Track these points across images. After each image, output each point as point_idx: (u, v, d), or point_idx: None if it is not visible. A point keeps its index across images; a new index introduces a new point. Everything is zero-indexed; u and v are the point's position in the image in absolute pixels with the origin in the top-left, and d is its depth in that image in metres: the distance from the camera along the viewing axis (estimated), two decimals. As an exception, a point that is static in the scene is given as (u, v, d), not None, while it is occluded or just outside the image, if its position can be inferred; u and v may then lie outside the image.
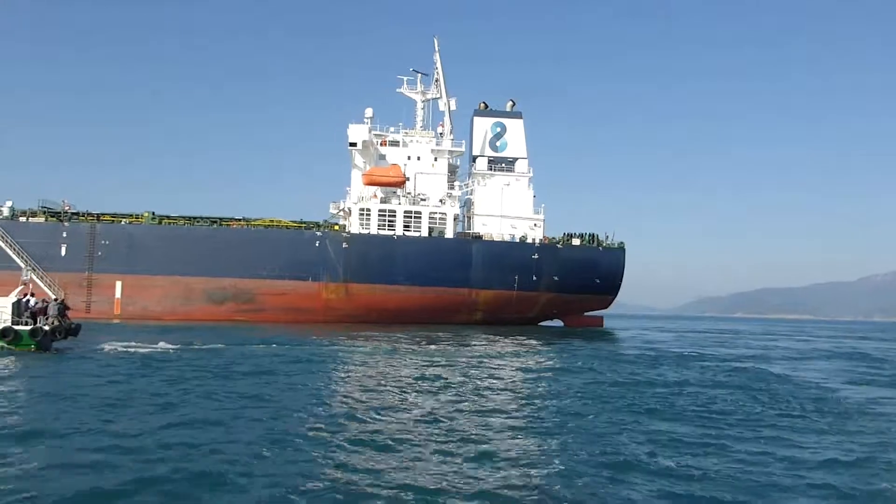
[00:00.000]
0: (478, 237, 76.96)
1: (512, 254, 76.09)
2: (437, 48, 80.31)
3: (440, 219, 75.71)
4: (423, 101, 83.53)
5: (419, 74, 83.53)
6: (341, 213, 78.91)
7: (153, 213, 74.63)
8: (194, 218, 74.91)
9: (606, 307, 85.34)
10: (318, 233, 73.31)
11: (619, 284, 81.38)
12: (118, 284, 71.86)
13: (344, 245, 72.28)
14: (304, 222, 76.12)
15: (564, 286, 77.36)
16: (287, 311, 72.22)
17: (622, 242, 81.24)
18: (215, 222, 74.62)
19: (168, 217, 75.00)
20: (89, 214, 74.24)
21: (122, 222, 73.68)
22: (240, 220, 75.55)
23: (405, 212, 74.92)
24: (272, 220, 75.21)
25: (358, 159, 78.67)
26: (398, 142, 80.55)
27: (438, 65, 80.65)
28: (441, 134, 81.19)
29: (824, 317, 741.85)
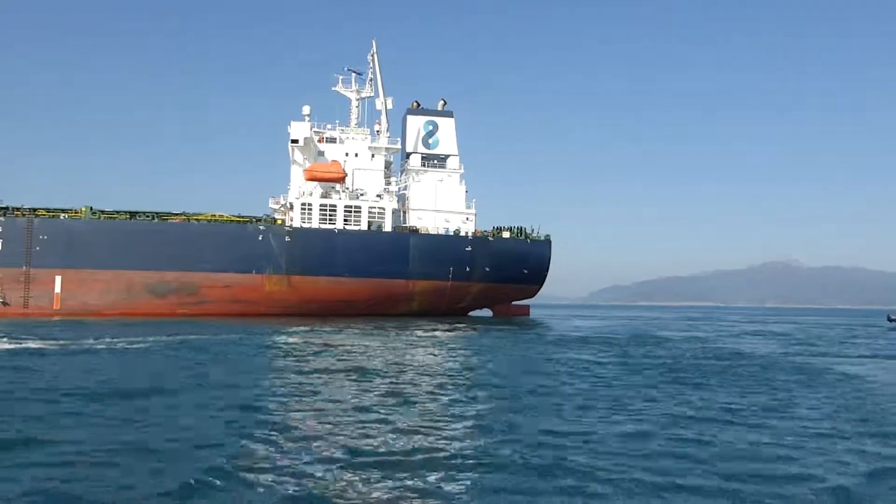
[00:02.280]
0: (415, 231, 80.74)
1: (447, 246, 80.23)
2: (374, 49, 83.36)
3: (379, 213, 79.04)
4: (357, 100, 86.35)
5: (354, 73, 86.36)
6: (282, 208, 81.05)
7: (91, 208, 74.74)
8: (135, 213, 75.47)
9: (533, 297, 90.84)
10: (261, 227, 75.36)
11: (546, 275, 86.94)
12: (57, 279, 71.83)
13: (286, 239, 74.62)
14: (246, 217, 77.89)
15: (495, 277, 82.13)
16: (231, 304, 74.07)
17: (548, 235, 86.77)
18: (156, 217, 75.43)
19: (104, 212, 75.19)
20: (24, 209, 73.68)
21: (61, 217, 73.51)
22: (179, 214, 76.59)
23: (345, 206, 77.86)
24: (213, 215, 76.62)
25: (298, 155, 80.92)
26: (335, 138, 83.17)
27: (376, 65, 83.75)
28: (378, 132, 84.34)
29: (722, 303, 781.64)
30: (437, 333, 53.34)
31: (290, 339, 43.96)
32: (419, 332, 53.33)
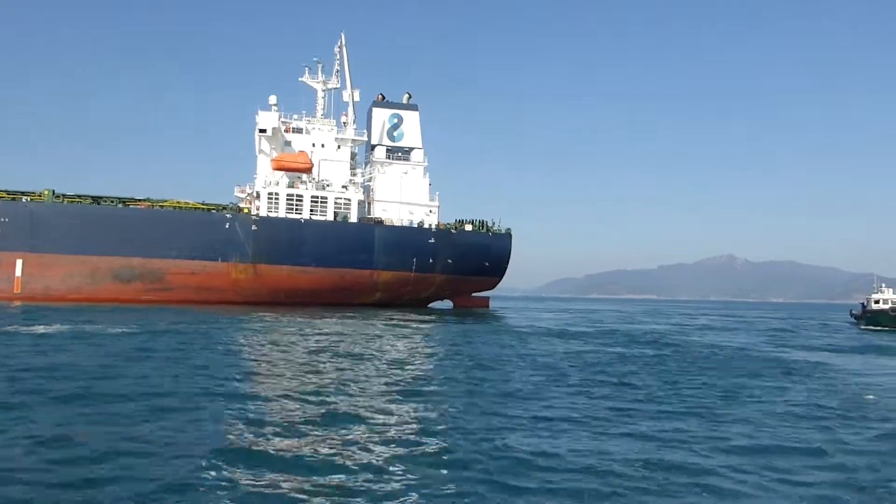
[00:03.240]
0: (380, 222, 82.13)
1: (411, 238, 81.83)
2: (343, 42, 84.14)
3: (345, 204, 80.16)
4: (324, 91, 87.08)
5: (320, 64, 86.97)
6: (248, 197, 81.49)
7: (53, 191, 74.07)
8: (99, 198, 75.06)
9: (493, 288, 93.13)
10: (228, 215, 75.79)
11: (506, 267, 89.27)
12: (18, 263, 71.19)
13: (253, 227, 75.24)
14: (212, 204, 78.17)
15: (458, 269, 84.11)
16: (196, 291, 74.47)
17: (509, 228, 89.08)
18: (120, 202, 75.17)
19: (66, 195, 74.60)
20: (-18, 192, 72.55)
21: (22, 200, 72.73)
22: (143, 200, 76.45)
23: (312, 197, 78.77)
24: (179, 202, 76.72)
25: (265, 145, 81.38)
26: (302, 129, 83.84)
27: (344, 57, 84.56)
28: (345, 123, 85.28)
29: (668, 297, 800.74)
30: (401, 325, 55.08)
31: (258, 327, 45.17)
32: (384, 323, 54.98)
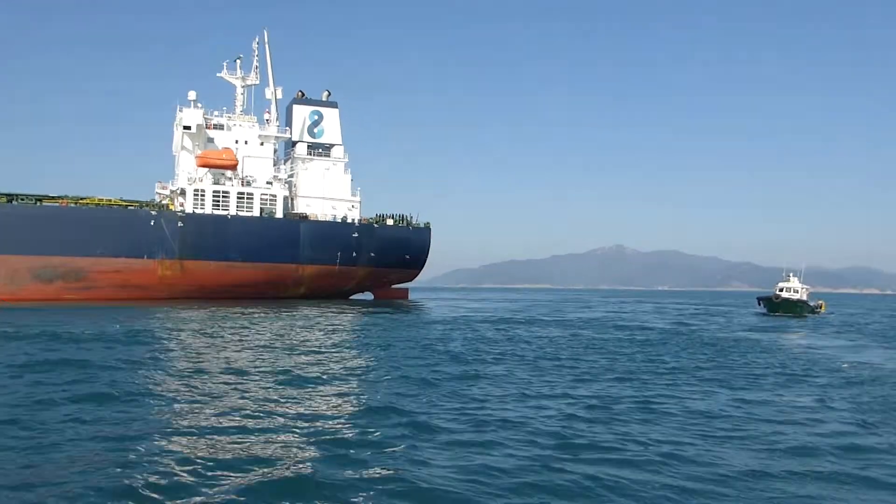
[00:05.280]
0: (305, 217, 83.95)
1: (335, 233, 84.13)
2: (266, 39, 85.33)
3: (270, 200, 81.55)
4: (243, 87, 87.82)
5: (239, 61, 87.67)
6: (170, 194, 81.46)
7: (-40, 190, 71.69)
8: (13, 195, 73.28)
9: (412, 280, 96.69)
10: (153, 212, 75.70)
11: (426, 260, 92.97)
12: (-69, 265, 68.78)
13: (179, 224, 75.50)
14: (134, 201, 77.79)
15: (380, 262, 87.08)
16: (121, 289, 74.09)
17: (428, 223, 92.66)
18: (38, 200, 73.68)
19: None
20: None
21: (-70, 199, 70.16)
22: (60, 197, 75.14)
23: (238, 193, 79.75)
24: (101, 200, 75.96)
25: (188, 142, 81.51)
26: (223, 125, 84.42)
27: (267, 55, 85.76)
28: (267, 120, 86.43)
29: (561, 286, 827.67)
30: (326, 315, 57.87)
31: (188, 320, 46.94)
32: (310, 314, 57.56)
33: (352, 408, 17.66)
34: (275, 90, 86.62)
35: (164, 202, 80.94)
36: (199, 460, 12.49)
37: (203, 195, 78.42)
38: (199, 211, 77.95)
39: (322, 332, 38.85)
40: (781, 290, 79.72)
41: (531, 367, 25.94)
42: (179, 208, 78.37)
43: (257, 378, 22.04)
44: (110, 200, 76.52)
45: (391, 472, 12.07)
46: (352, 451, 13.37)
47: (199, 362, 25.22)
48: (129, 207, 76.45)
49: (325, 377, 22.39)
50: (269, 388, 20.35)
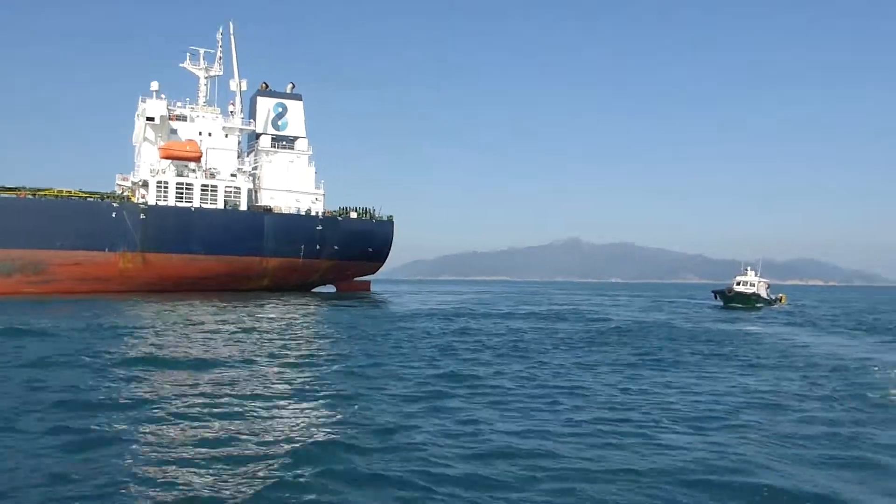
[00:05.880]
0: (269, 210, 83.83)
1: (300, 225, 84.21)
2: (231, 31, 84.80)
3: (235, 192, 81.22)
4: (206, 78, 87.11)
5: (201, 51, 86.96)
6: (132, 185, 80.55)
7: (-83, 181, 70.02)
8: (-32, 187, 71.77)
9: (375, 273, 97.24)
10: (115, 204, 74.84)
11: (389, 252, 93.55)
12: None
13: (142, 216, 74.81)
14: (94, 193, 76.78)
15: (343, 254, 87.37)
16: (82, 282, 73.18)
17: (391, 216, 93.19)
18: None
19: None
20: None
21: None
22: (15, 188, 73.80)
23: (202, 185, 79.22)
24: (61, 191, 74.81)
25: (150, 133, 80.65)
26: (185, 116, 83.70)
27: (232, 47, 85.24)
28: (232, 112, 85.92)
29: (518, 278, 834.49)
30: (291, 308, 58.35)
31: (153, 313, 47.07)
32: (274, 307, 57.96)
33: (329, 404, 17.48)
34: (239, 82, 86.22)
35: (125, 194, 79.99)
36: (155, 460, 12.16)
37: (166, 187, 77.75)
38: (161, 203, 77.28)
39: (298, 327, 39.38)
40: (738, 283, 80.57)
41: (517, 359, 26.97)
42: (142, 200, 77.58)
43: (228, 371, 21.97)
44: (70, 192, 75.41)
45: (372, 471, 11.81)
46: (331, 449, 13.02)
47: (164, 357, 24.89)
48: (90, 199, 75.44)
49: (308, 374, 22.37)
50: (247, 382, 20.15)
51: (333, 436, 14.09)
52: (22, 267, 71.19)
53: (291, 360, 25.08)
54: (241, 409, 16.42)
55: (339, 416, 16.05)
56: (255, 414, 16.02)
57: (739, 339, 37.84)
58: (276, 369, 22.98)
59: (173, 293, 74.41)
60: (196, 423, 14.90)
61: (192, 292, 75.84)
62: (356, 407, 17.06)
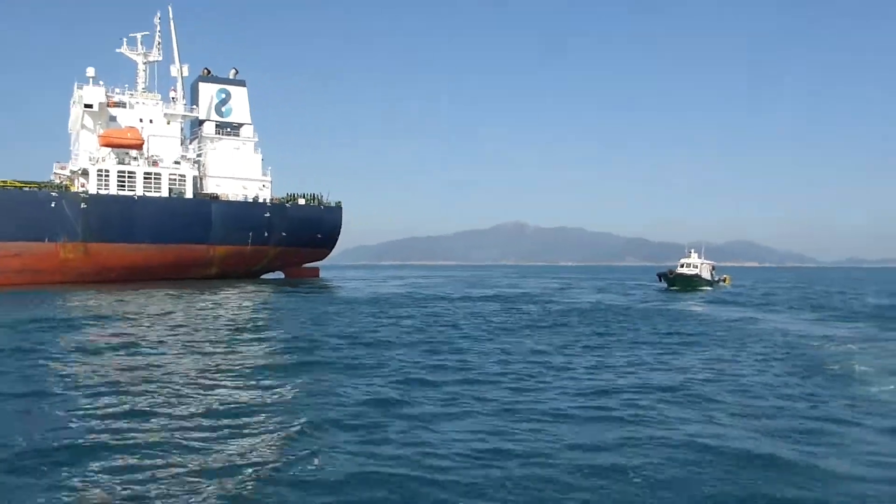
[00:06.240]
0: (216, 197, 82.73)
1: (248, 213, 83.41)
2: (171, 16, 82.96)
3: (179, 180, 79.89)
4: (144, 63, 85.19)
5: (139, 35, 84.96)
6: (71, 174, 78.48)
7: None
8: None
9: (323, 259, 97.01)
10: (54, 193, 72.87)
11: (337, 239, 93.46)
12: None
13: (82, 206, 73.05)
14: (31, 182, 74.62)
15: (291, 241, 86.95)
16: (20, 273, 71.09)
17: (339, 202, 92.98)
18: None
19: None
20: None
21: None
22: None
23: (145, 173, 77.66)
24: (-4, 180, 72.49)
25: (88, 121, 78.59)
26: (125, 103, 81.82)
27: (171, 31, 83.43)
28: (173, 98, 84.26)
29: (465, 262, 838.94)
30: (239, 295, 58.19)
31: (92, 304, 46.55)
32: (222, 295, 57.74)
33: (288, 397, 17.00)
34: (181, 67, 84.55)
35: (63, 183, 77.88)
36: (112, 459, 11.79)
37: (107, 175, 75.97)
38: (103, 192, 75.53)
39: (262, 316, 39.41)
40: (682, 265, 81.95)
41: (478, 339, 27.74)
42: (82, 189, 75.71)
43: (189, 364, 21.48)
44: (5, 182, 73.11)
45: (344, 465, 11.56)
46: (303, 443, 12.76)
47: (110, 351, 24.01)
48: (26, 189, 73.30)
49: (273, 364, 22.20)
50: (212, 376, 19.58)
51: (315, 421, 14.26)
52: (-44, 259, 68.88)
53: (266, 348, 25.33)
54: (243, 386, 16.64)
55: (324, 402, 16.50)
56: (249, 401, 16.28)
57: (693, 319, 39.27)
58: (261, 358, 23.22)
59: (118, 283, 73.01)
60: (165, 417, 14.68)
61: (138, 282, 74.55)
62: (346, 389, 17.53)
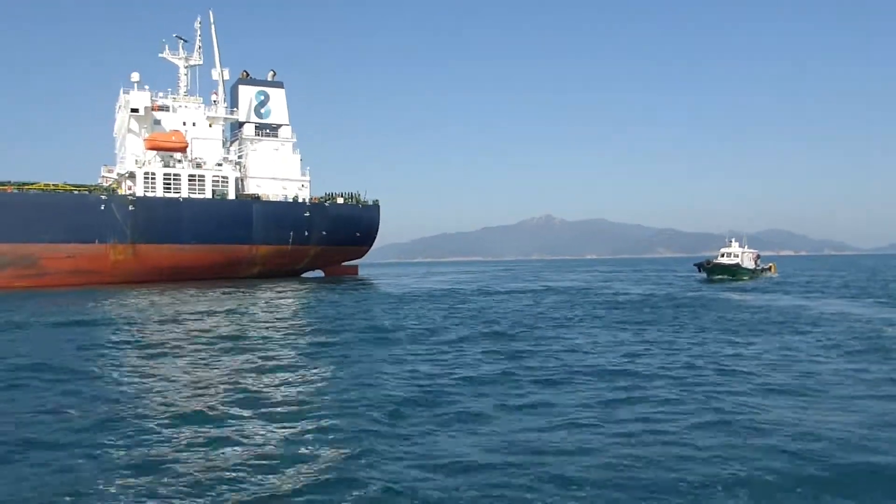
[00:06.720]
0: (257, 198, 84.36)
1: (288, 212, 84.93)
2: (211, 20, 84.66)
3: (223, 181, 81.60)
4: (186, 67, 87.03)
5: (181, 41, 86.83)
6: (117, 177, 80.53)
7: None
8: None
9: (362, 257, 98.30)
10: (103, 196, 74.88)
11: (375, 236, 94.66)
12: None
13: (130, 208, 74.98)
14: (80, 186, 76.73)
15: (331, 240, 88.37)
16: (73, 275, 73.35)
17: (377, 200, 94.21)
18: None
19: None
20: None
21: None
22: (2, 183, 73.53)
23: (189, 175, 79.48)
24: (48, 185, 74.65)
25: (134, 124, 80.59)
26: (168, 107, 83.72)
27: (212, 36, 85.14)
28: (215, 101, 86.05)
29: (493, 257, 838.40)
30: (287, 293, 59.31)
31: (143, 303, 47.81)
32: (269, 293, 58.88)
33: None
34: (221, 71, 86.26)
35: (111, 186, 79.95)
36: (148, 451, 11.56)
37: (153, 178, 77.89)
38: (150, 194, 77.46)
39: (318, 313, 40.31)
40: (722, 254, 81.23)
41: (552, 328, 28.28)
42: (129, 192, 77.66)
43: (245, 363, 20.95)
44: (56, 185, 75.27)
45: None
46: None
47: (167, 348, 24.19)
48: (76, 192, 75.39)
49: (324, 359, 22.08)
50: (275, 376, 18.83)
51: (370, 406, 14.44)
52: (14, 261, 71.18)
53: (319, 341, 26.09)
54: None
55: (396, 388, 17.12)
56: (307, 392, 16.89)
57: (749, 308, 38.75)
58: (313, 349, 24.00)
59: (167, 283, 74.83)
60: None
61: (185, 282, 76.36)
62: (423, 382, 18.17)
